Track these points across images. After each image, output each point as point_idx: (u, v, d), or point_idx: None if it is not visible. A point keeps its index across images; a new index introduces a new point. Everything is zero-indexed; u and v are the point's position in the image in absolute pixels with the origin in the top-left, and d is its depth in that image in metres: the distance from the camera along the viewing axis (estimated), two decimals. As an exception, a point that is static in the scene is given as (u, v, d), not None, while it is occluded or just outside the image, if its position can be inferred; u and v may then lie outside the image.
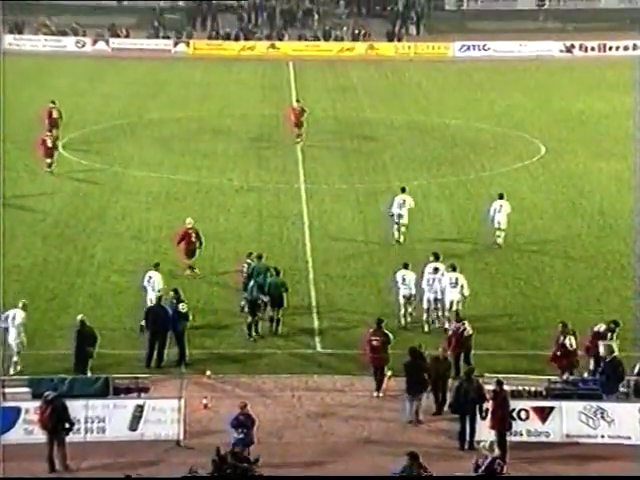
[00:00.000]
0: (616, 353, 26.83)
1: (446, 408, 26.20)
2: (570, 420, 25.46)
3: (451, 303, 31.01)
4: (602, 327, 28.02)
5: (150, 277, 31.49)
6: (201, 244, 35.07)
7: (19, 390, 25.58)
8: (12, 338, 28.24)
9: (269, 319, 30.92)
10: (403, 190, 38.72)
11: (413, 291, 31.39)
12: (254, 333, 30.42)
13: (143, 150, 50.61)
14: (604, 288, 34.51)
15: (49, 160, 45.92)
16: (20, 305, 28.69)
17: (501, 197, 38.33)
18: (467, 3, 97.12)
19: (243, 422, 24.08)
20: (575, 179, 46.64)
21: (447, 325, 29.99)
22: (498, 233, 37.80)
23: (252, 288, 30.56)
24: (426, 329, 31.00)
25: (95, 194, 43.38)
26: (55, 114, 49.26)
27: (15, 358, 28.24)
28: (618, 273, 35.73)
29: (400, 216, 37.72)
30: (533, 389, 26.14)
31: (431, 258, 32.31)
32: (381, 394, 27.45)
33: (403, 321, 31.40)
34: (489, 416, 24.88)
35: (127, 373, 26.93)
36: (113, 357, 28.89)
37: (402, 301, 31.42)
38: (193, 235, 34.86)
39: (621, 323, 28.42)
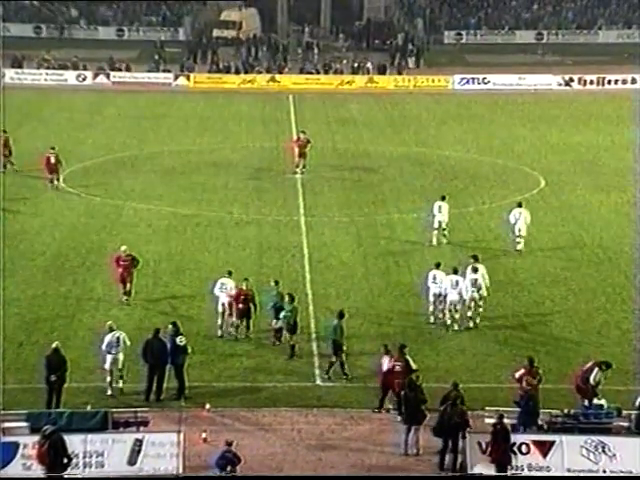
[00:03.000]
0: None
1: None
2: (571, 454, 25.30)
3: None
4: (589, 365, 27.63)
5: (223, 284, 32.52)
6: (136, 265, 35.35)
7: (17, 424, 25.44)
8: (118, 358, 28.71)
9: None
10: (443, 198, 41.68)
11: (443, 290, 33.22)
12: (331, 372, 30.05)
13: (143, 183, 50.64)
14: (604, 321, 34.42)
15: (52, 176, 48.04)
16: None
17: (520, 205, 40.98)
18: (466, 37, 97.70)
19: (231, 460, 23.90)
20: (575, 212, 46.65)
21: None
22: (518, 240, 40.19)
23: (336, 328, 29.89)
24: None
25: (95, 227, 43.37)
26: (10, 142, 51.15)
27: (109, 378, 28.59)
28: (618, 306, 35.65)
29: (438, 222, 40.80)
30: (534, 422, 26.09)
31: (471, 260, 34.47)
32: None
33: (432, 318, 33.42)
34: (489, 450, 24.79)
35: (126, 407, 26.87)
36: (112, 390, 28.76)
37: (432, 299, 33.48)
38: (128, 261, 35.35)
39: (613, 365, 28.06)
